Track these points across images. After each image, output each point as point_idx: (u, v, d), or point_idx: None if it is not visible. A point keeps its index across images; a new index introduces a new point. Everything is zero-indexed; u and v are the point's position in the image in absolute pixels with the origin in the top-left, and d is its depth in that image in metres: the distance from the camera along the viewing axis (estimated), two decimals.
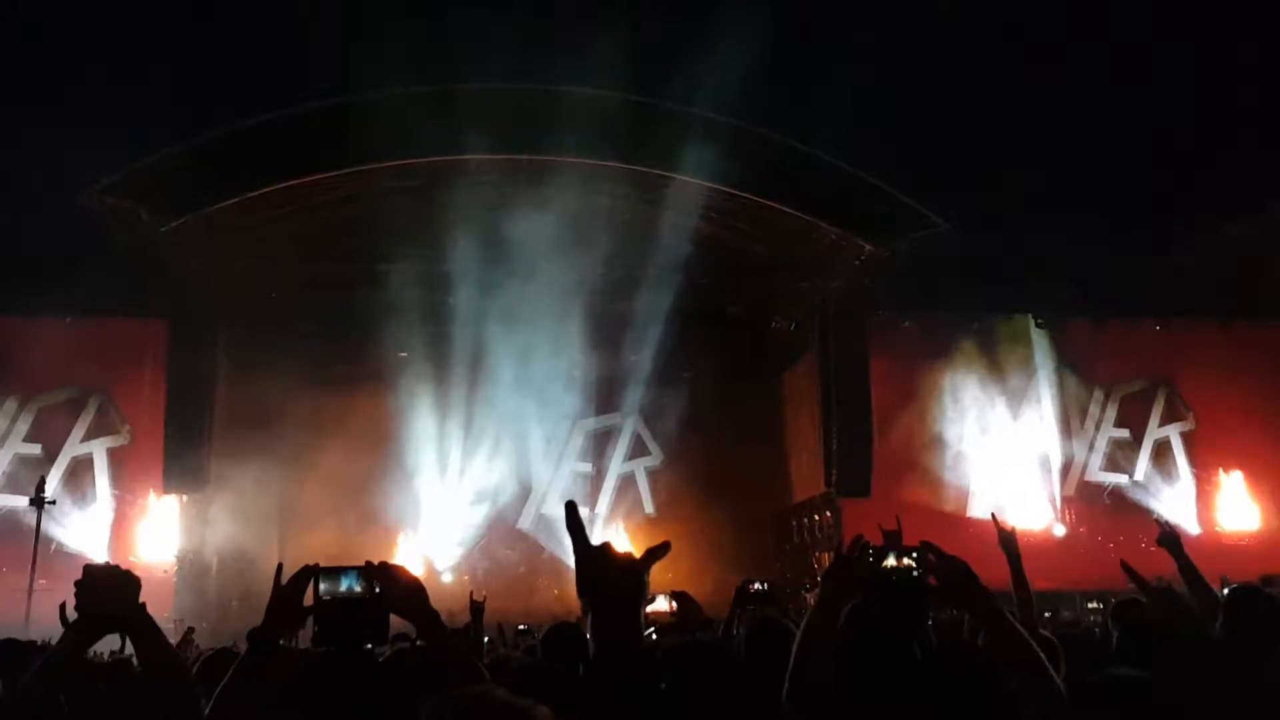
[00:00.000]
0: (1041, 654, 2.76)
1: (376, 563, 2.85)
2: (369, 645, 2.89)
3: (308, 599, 2.92)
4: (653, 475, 27.19)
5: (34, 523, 19.14)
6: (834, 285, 23.79)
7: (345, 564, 2.86)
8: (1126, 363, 25.89)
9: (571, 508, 2.36)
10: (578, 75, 19.91)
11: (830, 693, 2.76)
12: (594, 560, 2.23)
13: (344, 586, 2.79)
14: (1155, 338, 25.77)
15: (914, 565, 2.91)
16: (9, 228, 18.77)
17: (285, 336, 22.39)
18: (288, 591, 2.79)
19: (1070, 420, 25.74)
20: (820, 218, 22.35)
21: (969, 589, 2.84)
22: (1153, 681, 3.10)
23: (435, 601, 2.85)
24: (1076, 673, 3.09)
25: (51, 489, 20.29)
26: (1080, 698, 2.88)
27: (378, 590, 2.76)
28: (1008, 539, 4.92)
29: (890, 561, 2.93)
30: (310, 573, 2.80)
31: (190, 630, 12.66)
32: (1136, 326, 25.83)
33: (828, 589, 2.95)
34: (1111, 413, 25.87)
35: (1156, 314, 25.52)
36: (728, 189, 21.66)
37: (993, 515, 4.86)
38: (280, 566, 2.95)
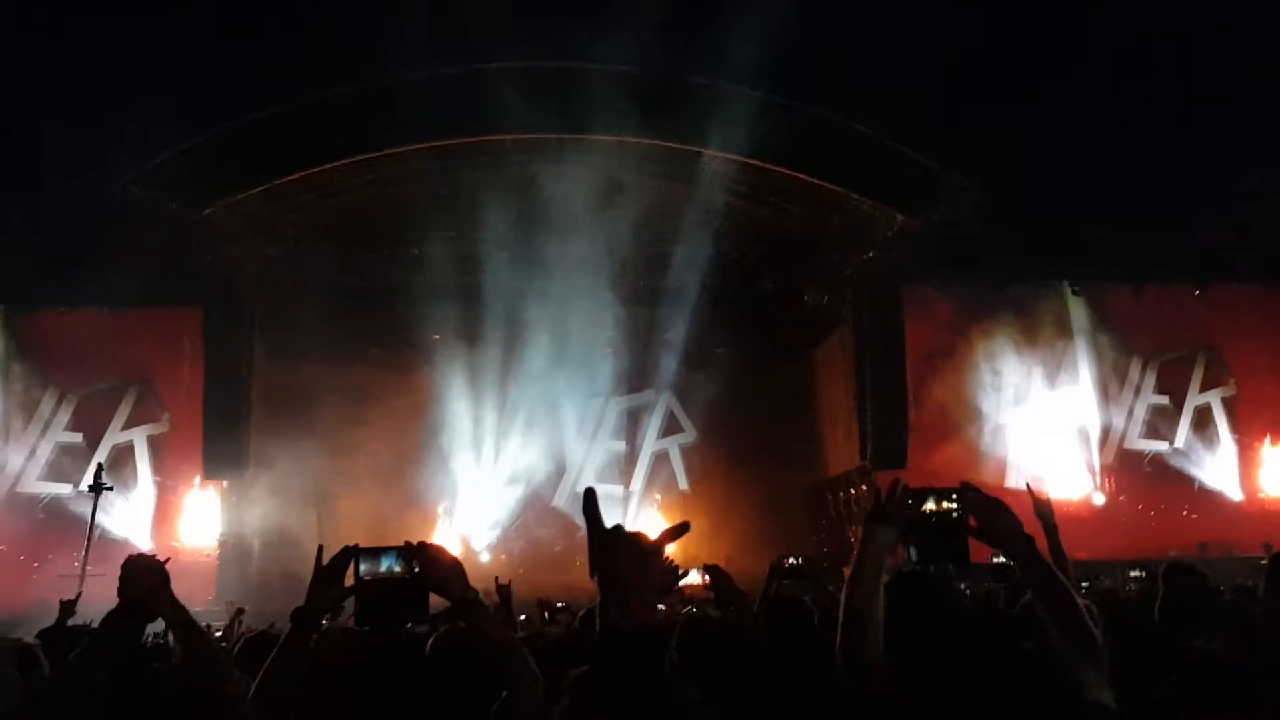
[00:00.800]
0: (1078, 597, 2.75)
1: (415, 543, 2.88)
2: (409, 624, 2.92)
3: (348, 579, 2.95)
4: (686, 451, 27.22)
5: (78, 510, 19.42)
6: (867, 257, 23.62)
7: (384, 545, 2.89)
8: (1166, 329, 25.55)
9: (590, 494, 2.38)
10: (606, 51, 19.79)
11: (879, 645, 2.76)
12: (606, 544, 2.24)
13: (384, 567, 2.82)
14: (1195, 304, 25.41)
15: (954, 506, 2.92)
16: (45, 221, 18.96)
17: (320, 321, 22.50)
18: (329, 572, 2.82)
19: (1108, 388, 25.45)
20: (852, 189, 22.17)
21: (1008, 528, 2.85)
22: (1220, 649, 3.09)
23: (473, 581, 2.87)
24: (1118, 637, 3.07)
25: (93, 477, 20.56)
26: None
27: (417, 570, 2.78)
28: (1043, 508, 4.88)
29: (930, 504, 2.94)
30: (351, 553, 2.83)
31: (240, 611, 12.82)
32: (1175, 293, 25.47)
33: (869, 534, 2.95)
34: (1151, 379, 25.56)
35: (1197, 280, 25.15)
36: (758, 162, 21.52)
37: (1028, 485, 4.82)
38: (321, 548, 2.99)
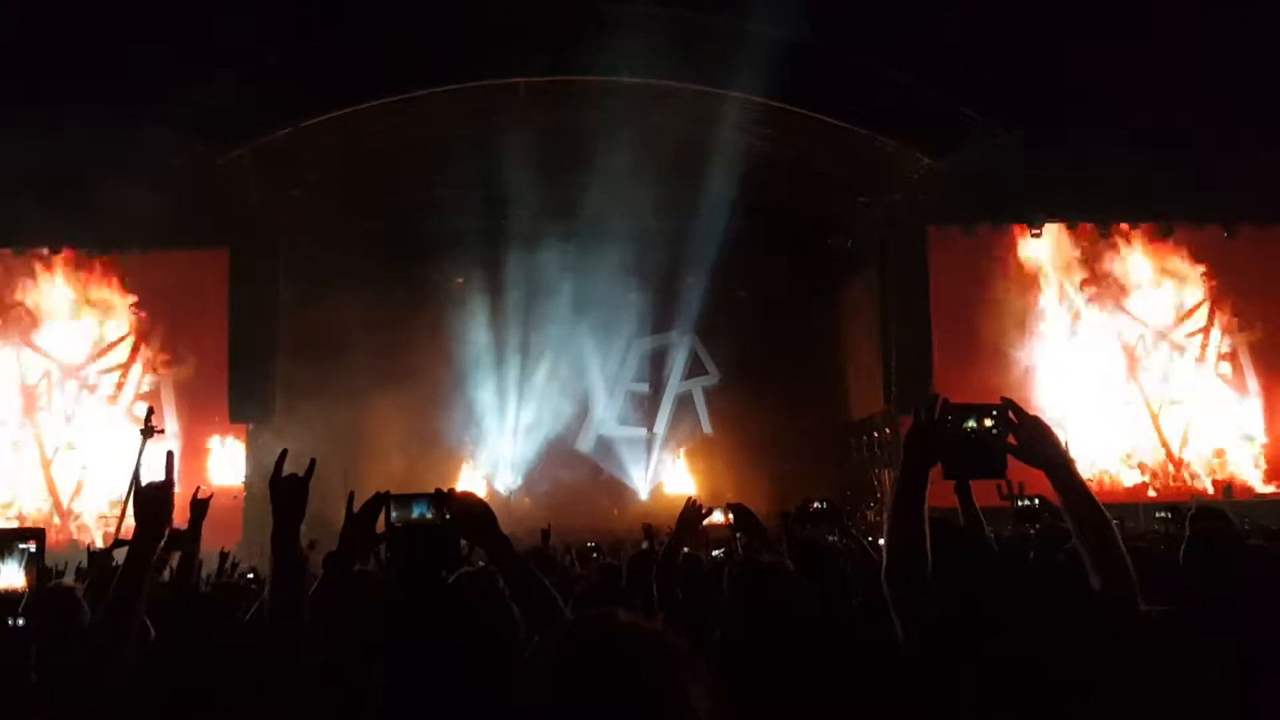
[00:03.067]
0: (1109, 516, 2.75)
1: (446, 489, 2.88)
2: (441, 570, 2.93)
3: (379, 526, 2.97)
4: (710, 394, 27.26)
5: None
6: (892, 199, 23.40)
7: (413, 490, 2.89)
8: (1195, 271, 25.19)
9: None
10: None
11: (927, 564, 2.75)
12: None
13: (415, 513, 2.82)
14: (1225, 246, 25.01)
15: (993, 424, 2.91)
16: (65, 163, 18.94)
17: (344, 265, 22.56)
18: (361, 519, 2.83)
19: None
20: (877, 130, 21.90)
21: (1048, 446, 2.84)
22: None
23: (500, 524, 2.87)
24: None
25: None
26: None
27: (447, 516, 2.78)
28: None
29: (971, 422, 2.92)
30: (382, 500, 2.83)
31: (311, 545, 12.89)
32: (1205, 234, 25.07)
33: (910, 450, 2.94)
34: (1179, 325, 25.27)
35: (1225, 222, 24.72)
36: (782, 104, 21.26)
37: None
38: (352, 495, 3.00)
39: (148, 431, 19.07)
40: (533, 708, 1.40)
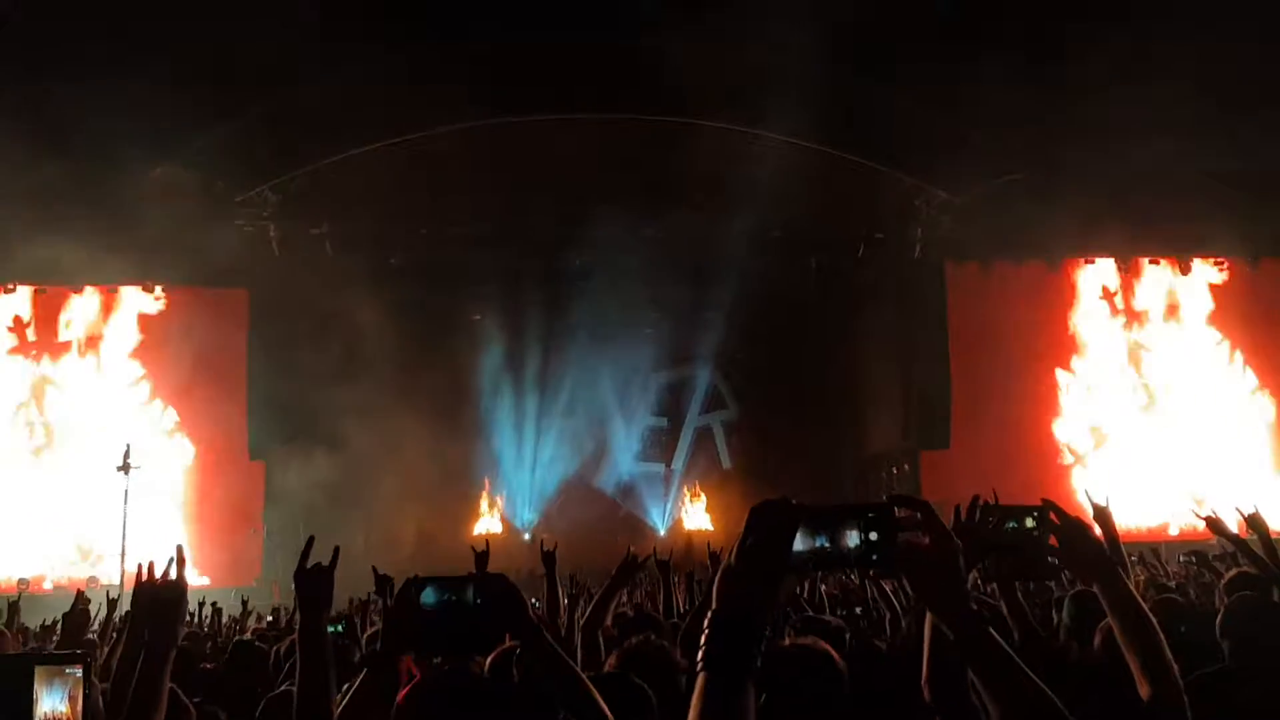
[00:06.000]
0: (1155, 624, 2.66)
1: (479, 574, 2.87)
2: (471, 654, 2.91)
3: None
4: (729, 428, 27.16)
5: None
6: (911, 235, 23.41)
7: (446, 574, 2.86)
8: (1216, 303, 25.04)
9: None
10: (647, 29, 19.59)
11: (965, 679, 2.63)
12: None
13: (446, 597, 2.78)
14: (1248, 278, 24.86)
15: (1035, 526, 2.84)
16: (92, 202, 19.17)
17: (363, 302, 22.64)
18: (400, 608, 2.78)
19: None
20: (896, 167, 21.96)
21: (1091, 550, 2.76)
22: None
23: (515, 560, 2.88)
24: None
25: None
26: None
27: (480, 601, 2.75)
28: (1101, 514, 4.75)
29: (1012, 524, 2.85)
30: (417, 584, 2.80)
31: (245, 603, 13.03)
32: (1231, 266, 24.93)
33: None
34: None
35: (1247, 256, 24.60)
36: (802, 141, 21.34)
37: (1086, 493, 4.67)
38: (383, 577, 2.97)
39: (126, 468, 19.08)
40: None
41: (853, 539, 1.77)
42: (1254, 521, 4.99)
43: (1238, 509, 5.17)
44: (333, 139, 21.21)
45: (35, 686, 2.97)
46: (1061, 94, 19.26)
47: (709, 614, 1.67)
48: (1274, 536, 4.85)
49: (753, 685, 1.63)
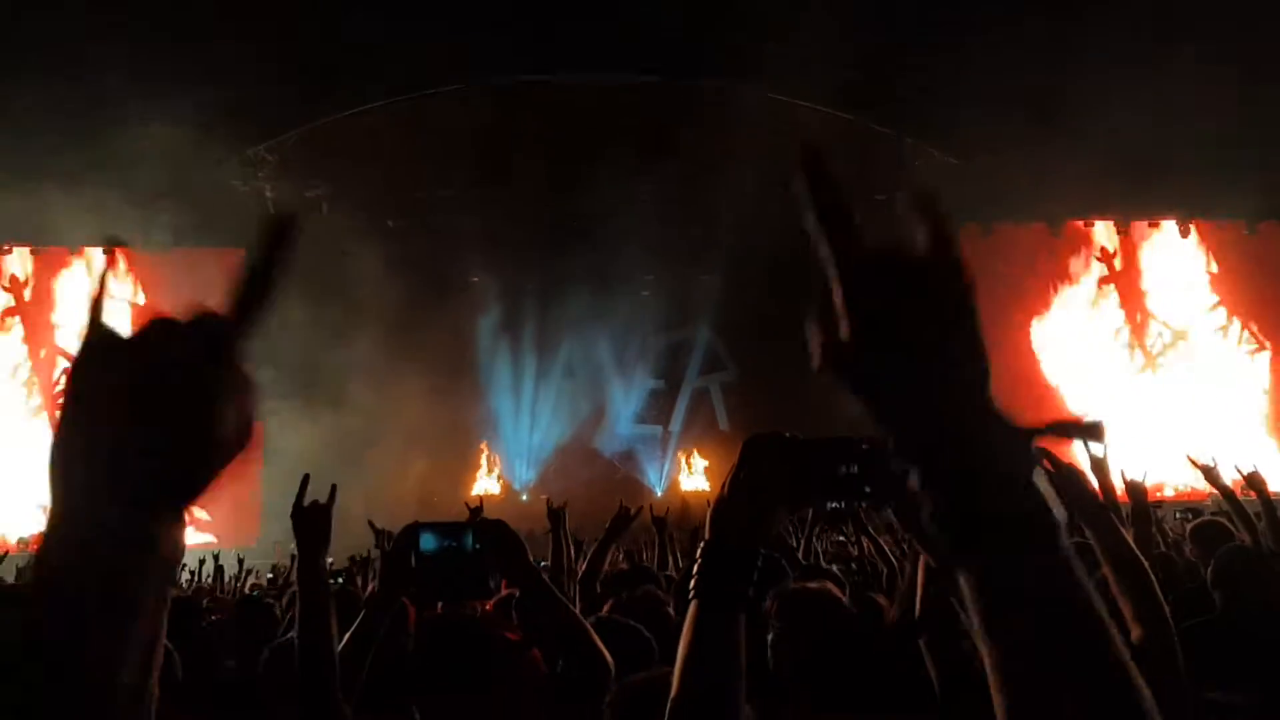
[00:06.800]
0: (1148, 567, 2.69)
1: (477, 519, 2.87)
2: (469, 599, 2.92)
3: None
4: (727, 390, 27.16)
5: None
6: (910, 197, 23.24)
7: (445, 520, 2.87)
8: (1215, 267, 25.02)
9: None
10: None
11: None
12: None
13: (446, 543, 2.79)
14: (1250, 240, 24.81)
15: None
16: (86, 163, 19.06)
17: (360, 262, 22.59)
18: (396, 554, 2.80)
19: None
20: (896, 128, 21.83)
21: (1084, 496, 2.79)
22: None
23: (514, 520, 2.86)
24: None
25: None
26: None
27: (478, 546, 2.76)
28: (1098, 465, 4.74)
29: None
30: (414, 530, 2.81)
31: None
32: (1227, 229, 24.88)
33: None
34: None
35: (1246, 218, 24.52)
36: (800, 101, 21.19)
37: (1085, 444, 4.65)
38: (381, 531, 3.00)
39: None
40: None
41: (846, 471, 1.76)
42: (1253, 480, 5.02)
43: (1236, 468, 5.20)
44: (330, 99, 21.05)
45: None
46: (1064, 54, 19.07)
47: (701, 544, 1.68)
48: (1273, 497, 4.87)
49: (743, 615, 1.64)
